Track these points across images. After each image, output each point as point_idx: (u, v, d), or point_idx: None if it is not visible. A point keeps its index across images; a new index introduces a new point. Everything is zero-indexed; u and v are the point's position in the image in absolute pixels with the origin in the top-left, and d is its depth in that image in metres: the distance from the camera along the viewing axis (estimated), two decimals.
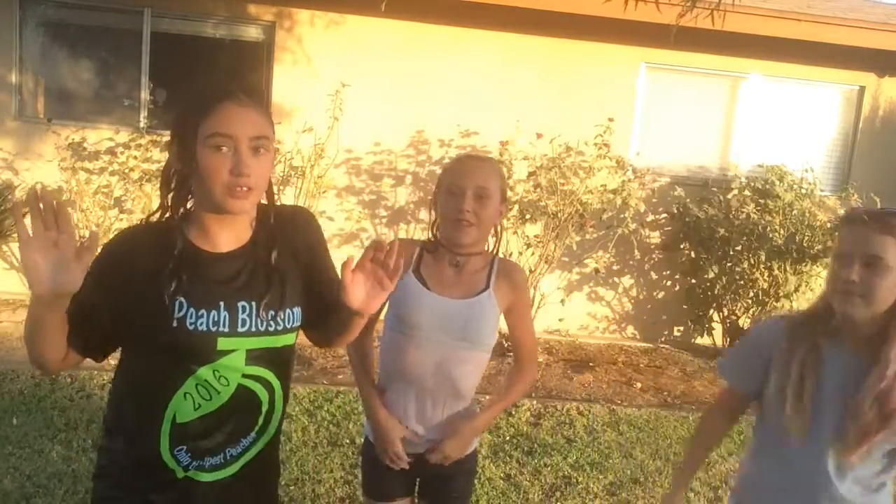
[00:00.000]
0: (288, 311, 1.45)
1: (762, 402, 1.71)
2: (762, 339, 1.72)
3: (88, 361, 1.49)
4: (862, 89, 6.70)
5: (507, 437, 4.00)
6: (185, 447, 1.42)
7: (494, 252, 1.93)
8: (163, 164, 5.44)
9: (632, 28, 5.76)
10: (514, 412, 4.34)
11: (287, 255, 1.48)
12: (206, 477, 1.45)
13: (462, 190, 1.77)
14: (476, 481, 3.45)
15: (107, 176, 5.86)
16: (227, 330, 1.39)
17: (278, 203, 1.51)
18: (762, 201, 5.91)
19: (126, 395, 1.47)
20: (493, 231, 1.92)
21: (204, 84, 1.41)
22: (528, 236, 5.69)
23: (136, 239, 1.42)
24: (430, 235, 1.93)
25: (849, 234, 1.54)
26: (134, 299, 1.36)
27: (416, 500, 2.03)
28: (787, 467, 1.64)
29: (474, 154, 2.04)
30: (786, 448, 1.63)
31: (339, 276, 1.43)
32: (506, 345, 5.66)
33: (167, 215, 1.42)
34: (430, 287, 1.83)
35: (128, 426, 1.46)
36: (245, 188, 1.32)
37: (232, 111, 1.32)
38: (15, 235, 5.73)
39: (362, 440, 2.06)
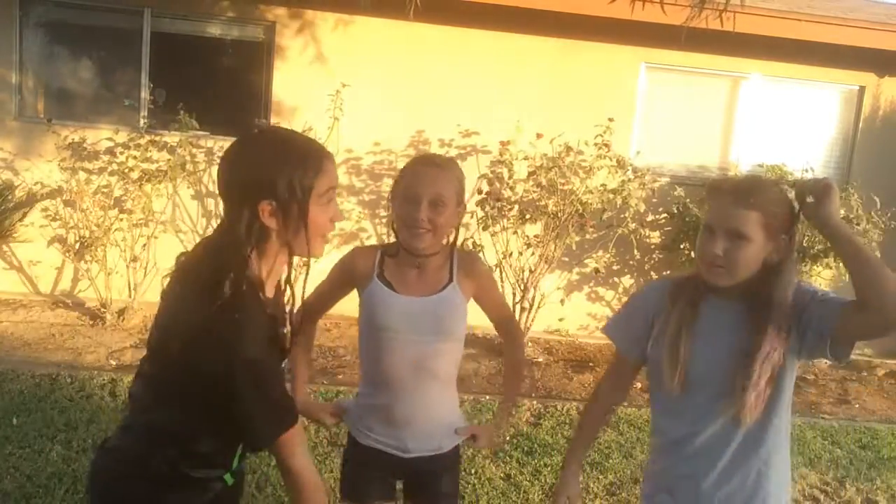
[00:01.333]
0: None
1: (649, 365, 1.75)
2: (646, 299, 1.78)
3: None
4: (862, 89, 6.70)
5: (507, 437, 3.99)
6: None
7: (452, 245, 1.96)
8: (162, 164, 5.44)
9: (632, 28, 5.76)
10: (514, 412, 4.34)
11: None
12: (234, 480, 1.55)
13: (418, 198, 1.79)
14: (476, 481, 3.45)
15: (106, 176, 5.86)
16: None
17: None
18: None
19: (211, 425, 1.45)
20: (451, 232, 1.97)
21: (293, 143, 1.49)
22: (528, 236, 5.69)
23: (261, 317, 1.40)
24: (391, 235, 1.97)
25: (714, 208, 1.61)
26: None
27: (404, 502, 2.05)
28: (683, 425, 1.70)
29: (431, 158, 2.04)
30: (678, 405, 1.68)
31: None
32: None
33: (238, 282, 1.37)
34: (397, 289, 1.88)
35: (207, 448, 1.47)
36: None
37: (332, 163, 1.50)
38: (15, 235, 5.74)
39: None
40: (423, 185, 1.81)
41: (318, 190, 1.41)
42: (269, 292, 1.46)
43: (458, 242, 1.99)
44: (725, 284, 1.61)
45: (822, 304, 1.57)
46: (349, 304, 2.11)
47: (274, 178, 1.36)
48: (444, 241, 1.92)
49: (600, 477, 3.65)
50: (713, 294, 1.65)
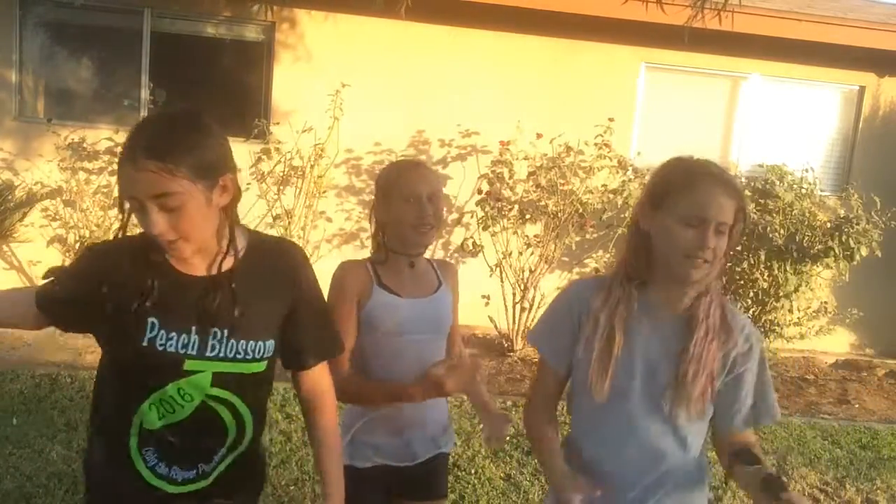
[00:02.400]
0: (260, 343, 1.45)
1: (575, 372, 1.61)
2: (572, 301, 1.62)
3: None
4: (862, 89, 6.70)
5: (508, 437, 3.99)
6: (152, 448, 1.45)
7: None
8: None
9: (632, 28, 5.77)
10: (514, 412, 4.34)
11: (267, 289, 1.48)
12: (181, 489, 1.47)
13: (419, 196, 1.85)
14: (476, 481, 3.46)
15: (106, 176, 5.86)
16: (195, 353, 1.40)
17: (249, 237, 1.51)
18: (762, 201, 5.91)
19: (102, 393, 1.51)
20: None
21: None
22: (528, 236, 5.69)
23: (116, 253, 1.42)
24: (378, 246, 1.96)
25: (706, 196, 1.46)
26: (110, 311, 1.38)
27: (402, 501, 2.04)
28: (609, 437, 1.58)
29: (411, 161, 2.19)
30: (607, 415, 1.56)
31: (328, 320, 1.64)
32: (506, 345, 5.67)
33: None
34: (399, 293, 1.91)
35: (103, 424, 1.50)
36: (170, 242, 1.34)
37: (124, 167, 1.32)
38: (15, 235, 5.73)
39: None
40: (419, 184, 1.87)
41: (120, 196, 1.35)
42: (196, 268, 1.42)
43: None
44: (701, 278, 1.50)
45: (741, 403, 1.57)
46: None
47: None
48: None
49: None
50: (650, 292, 1.56)
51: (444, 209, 2.00)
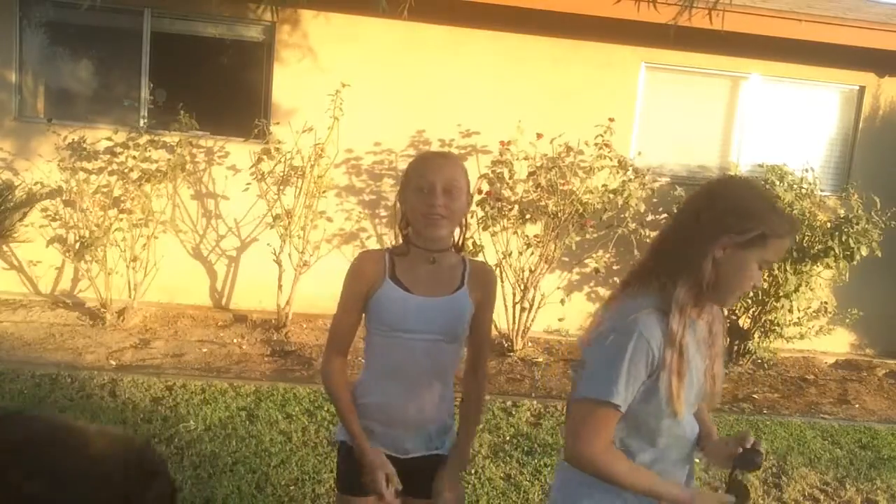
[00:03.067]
0: None
1: (650, 402, 1.57)
2: (649, 340, 1.53)
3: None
4: (862, 89, 6.70)
5: (507, 437, 3.99)
6: None
7: (462, 248, 2.00)
8: (162, 164, 5.49)
9: (632, 28, 5.76)
10: (514, 412, 4.34)
11: None
12: None
13: (432, 185, 1.82)
14: (476, 481, 3.45)
15: (106, 176, 5.86)
16: None
17: None
18: None
19: None
20: (459, 226, 1.98)
21: None
22: (528, 236, 5.69)
23: None
24: (400, 236, 1.96)
25: (784, 246, 1.59)
26: None
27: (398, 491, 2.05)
28: (683, 444, 1.70)
29: (436, 152, 2.15)
30: (678, 428, 1.65)
31: None
32: (506, 345, 5.67)
33: None
34: (411, 289, 1.88)
35: None
36: None
37: None
38: (15, 235, 5.73)
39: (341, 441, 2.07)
40: (435, 173, 1.84)
41: None
42: None
43: (459, 243, 2.00)
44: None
45: None
46: None
47: None
48: (455, 238, 1.96)
49: None
50: (692, 310, 1.60)
51: (465, 205, 1.92)
